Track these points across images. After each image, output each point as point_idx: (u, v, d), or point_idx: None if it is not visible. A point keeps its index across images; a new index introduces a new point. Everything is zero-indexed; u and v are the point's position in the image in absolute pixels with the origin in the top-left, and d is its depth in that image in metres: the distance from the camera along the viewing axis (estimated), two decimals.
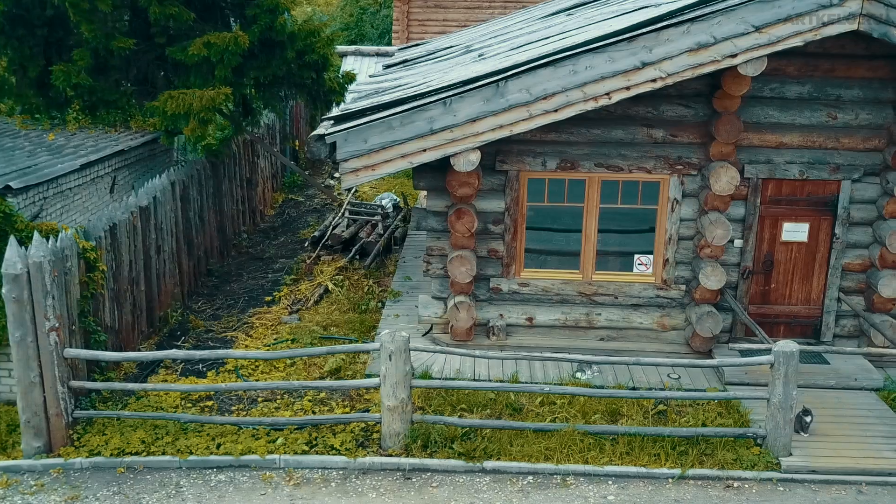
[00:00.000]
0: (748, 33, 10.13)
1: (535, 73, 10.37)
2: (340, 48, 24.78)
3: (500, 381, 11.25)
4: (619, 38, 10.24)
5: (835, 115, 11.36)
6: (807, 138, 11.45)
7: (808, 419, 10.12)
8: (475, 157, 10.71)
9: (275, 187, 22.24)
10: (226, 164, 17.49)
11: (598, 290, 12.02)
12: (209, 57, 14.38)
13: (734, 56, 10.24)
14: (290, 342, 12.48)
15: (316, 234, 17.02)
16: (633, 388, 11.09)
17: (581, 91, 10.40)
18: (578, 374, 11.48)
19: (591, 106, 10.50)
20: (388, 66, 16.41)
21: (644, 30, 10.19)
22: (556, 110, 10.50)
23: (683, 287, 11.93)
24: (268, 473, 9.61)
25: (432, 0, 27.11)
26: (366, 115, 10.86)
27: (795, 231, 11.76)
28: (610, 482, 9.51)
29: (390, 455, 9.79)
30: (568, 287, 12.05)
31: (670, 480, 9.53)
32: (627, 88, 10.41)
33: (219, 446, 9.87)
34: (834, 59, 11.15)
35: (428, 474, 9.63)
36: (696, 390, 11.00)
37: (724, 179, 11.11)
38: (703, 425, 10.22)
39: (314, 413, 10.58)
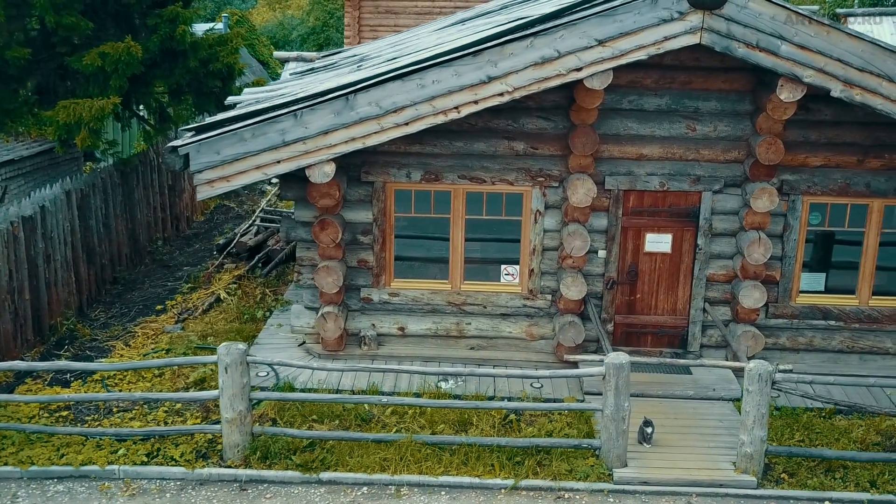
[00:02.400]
0: (591, 47, 10.20)
1: (384, 86, 10.45)
2: (282, 54, 24.72)
3: (363, 393, 11.30)
4: (466, 52, 10.31)
5: (693, 127, 11.43)
6: (667, 150, 11.52)
7: (649, 430, 10.19)
8: (330, 168, 10.79)
9: None
10: (141, 172, 17.60)
11: (467, 300, 12.09)
12: (104, 67, 14.52)
13: (579, 69, 10.31)
14: (164, 352, 12.56)
15: (221, 241, 17.10)
16: (491, 398, 11.18)
17: (430, 105, 10.48)
18: (442, 384, 11.56)
19: (441, 119, 10.58)
20: (293, 74, 16.48)
21: (489, 44, 10.26)
22: (406, 123, 10.58)
23: (549, 297, 12.00)
24: (106, 484, 9.69)
25: (383, 6, 27.12)
26: (224, 125, 10.94)
27: (658, 242, 11.82)
28: (443, 493, 9.58)
29: (229, 466, 9.87)
30: (437, 297, 12.12)
31: (503, 491, 9.60)
32: (476, 102, 10.48)
33: (62, 457, 9.96)
34: (690, 71, 11.22)
35: (264, 485, 9.71)
36: (550, 400, 11.11)
37: (582, 191, 11.20)
38: (549, 435, 10.32)
39: (167, 424, 10.67)
